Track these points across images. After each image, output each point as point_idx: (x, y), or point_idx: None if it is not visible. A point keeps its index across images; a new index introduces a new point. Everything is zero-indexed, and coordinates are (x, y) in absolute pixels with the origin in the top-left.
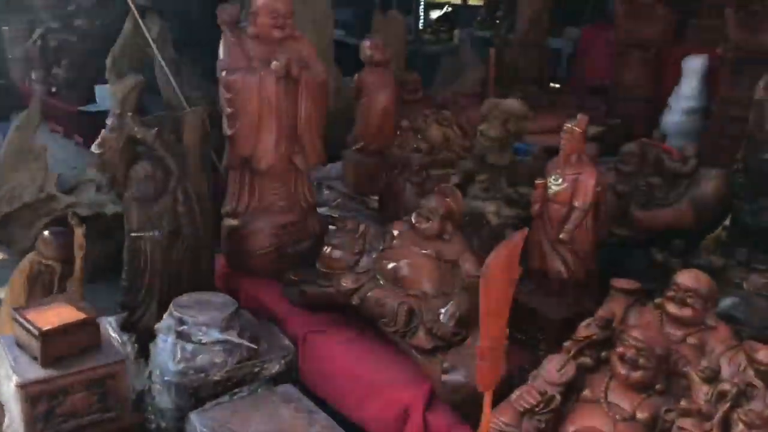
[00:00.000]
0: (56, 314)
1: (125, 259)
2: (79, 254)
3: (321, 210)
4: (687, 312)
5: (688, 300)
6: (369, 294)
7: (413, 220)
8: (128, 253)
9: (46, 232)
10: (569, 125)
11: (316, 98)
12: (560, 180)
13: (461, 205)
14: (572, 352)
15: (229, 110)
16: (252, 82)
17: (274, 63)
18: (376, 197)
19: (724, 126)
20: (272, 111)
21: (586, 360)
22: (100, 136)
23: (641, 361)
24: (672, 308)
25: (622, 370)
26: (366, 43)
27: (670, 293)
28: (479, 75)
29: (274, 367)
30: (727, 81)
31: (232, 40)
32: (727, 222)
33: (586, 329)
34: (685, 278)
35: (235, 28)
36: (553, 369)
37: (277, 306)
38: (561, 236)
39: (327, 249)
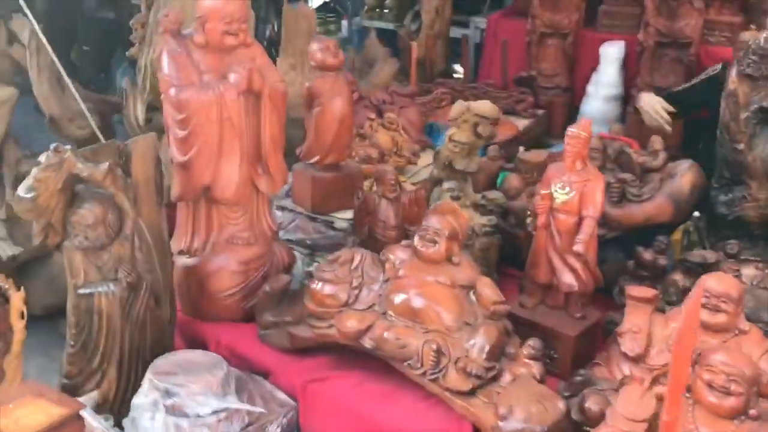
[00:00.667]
0: (29, 413)
1: (70, 321)
2: (18, 326)
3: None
4: (721, 318)
5: (722, 306)
6: (385, 334)
7: (417, 245)
8: (75, 314)
9: None
10: (574, 129)
11: (279, 112)
12: (567, 189)
13: (465, 222)
14: (648, 382)
15: (181, 133)
16: (209, 99)
17: (234, 75)
18: (339, 215)
19: None
20: (234, 131)
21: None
22: (31, 177)
23: (733, 387)
24: (705, 316)
25: (712, 398)
26: (315, 45)
27: (702, 300)
28: (392, 70)
29: (276, 429)
30: (647, 67)
31: (177, 50)
32: (696, 213)
33: (660, 356)
34: (715, 283)
35: (179, 36)
36: (631, 403)
37: (259, 355)
38: (575, 248)
39: (317, 284)
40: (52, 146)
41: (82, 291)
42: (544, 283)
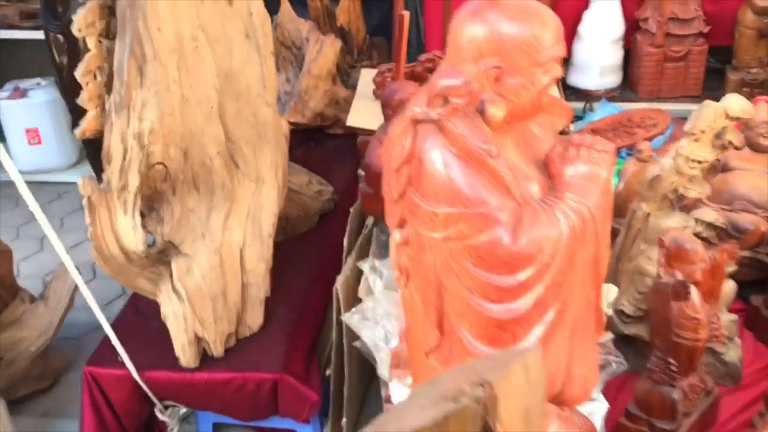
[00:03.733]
0: None
1: None
2: None
3: None
4: None
5: None
6: None
7: None
8: None
9: None
10: None
11: None
12: None
13: None
14: None
15: (514, 310)
16: (573, 227)
17: (586, 167)
18: None
19: (666, 49)
20: (591, 269)
21: None
22: None
23: None
24: None
25: None
26: None
27: None
28: (335, 50)
29: None
30: None
31: (482, 146)
32: None
33: None
34: None
35: (467, 117)
36: None
37: None
38: None
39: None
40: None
41: None
42: None
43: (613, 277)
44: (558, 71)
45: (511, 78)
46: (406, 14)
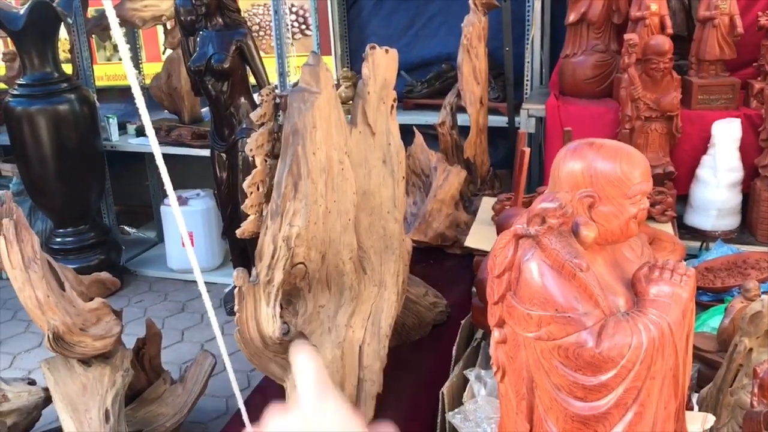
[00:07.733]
0: None
1: None
2: None
3: None
4: None
5: None
6: None
7: None
8: None
9: None
10: None
11: None
12: None
13: None
14: None
15: (607, 403)
16: (652, 336)
17: (668, 288)
18: None
19: None
20: (671, 378)
21: None
22: None
23: None
24: None
25: None
26: None
27: None
28: (460, 179)
29: None
30: None
31: (574, 260)
32: None
33: None
34: None
35: (562, 235)
36: None
37: None
38: None
39: None
40: None
41: None
42: None
43: (714, 409)
44: (645, 204)
45: (603, 206)
46: (527, 150)
